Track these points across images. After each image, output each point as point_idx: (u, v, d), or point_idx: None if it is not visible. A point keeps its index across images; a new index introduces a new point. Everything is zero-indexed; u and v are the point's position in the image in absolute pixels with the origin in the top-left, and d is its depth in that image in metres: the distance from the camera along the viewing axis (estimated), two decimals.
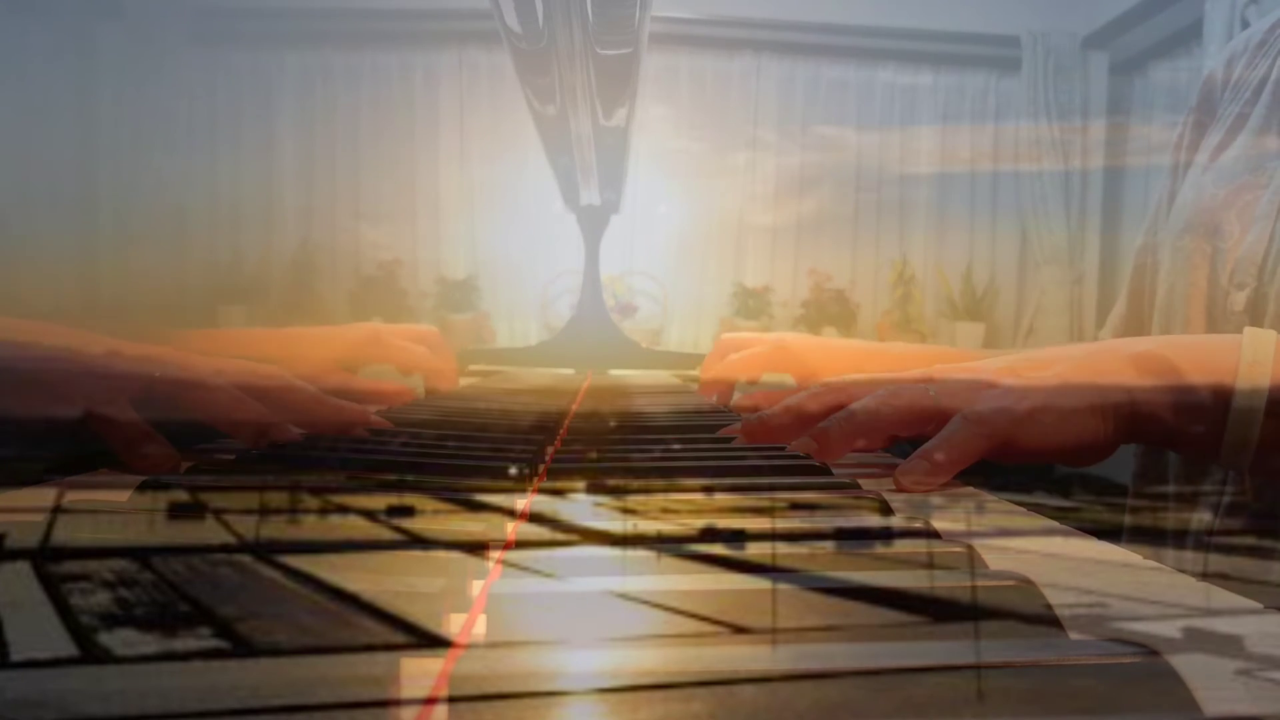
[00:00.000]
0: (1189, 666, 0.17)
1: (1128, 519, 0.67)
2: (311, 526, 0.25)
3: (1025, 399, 0.45)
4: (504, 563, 0.23)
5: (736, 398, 0.80)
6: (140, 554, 0.21)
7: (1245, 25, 2.44)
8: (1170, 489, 0.64)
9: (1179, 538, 0.62)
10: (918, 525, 0.27)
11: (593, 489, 0.32)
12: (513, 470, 0.36)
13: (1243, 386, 0.44)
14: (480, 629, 0.19)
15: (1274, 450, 0.45)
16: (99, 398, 0.42)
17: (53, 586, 0.19)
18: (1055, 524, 0.33)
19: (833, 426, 0.47)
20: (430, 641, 0.17)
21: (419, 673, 0.16)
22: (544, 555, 0.24)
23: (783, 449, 0.47)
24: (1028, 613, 0.20)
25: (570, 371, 1.26)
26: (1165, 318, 0.68)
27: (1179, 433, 0.46)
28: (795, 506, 0.31)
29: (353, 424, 0.50)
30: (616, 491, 0.31)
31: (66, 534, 0.23)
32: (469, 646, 0.17)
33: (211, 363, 0.48)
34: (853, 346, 0.85)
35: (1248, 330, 0.46)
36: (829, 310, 3.34)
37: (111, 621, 0.17)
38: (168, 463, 0.41)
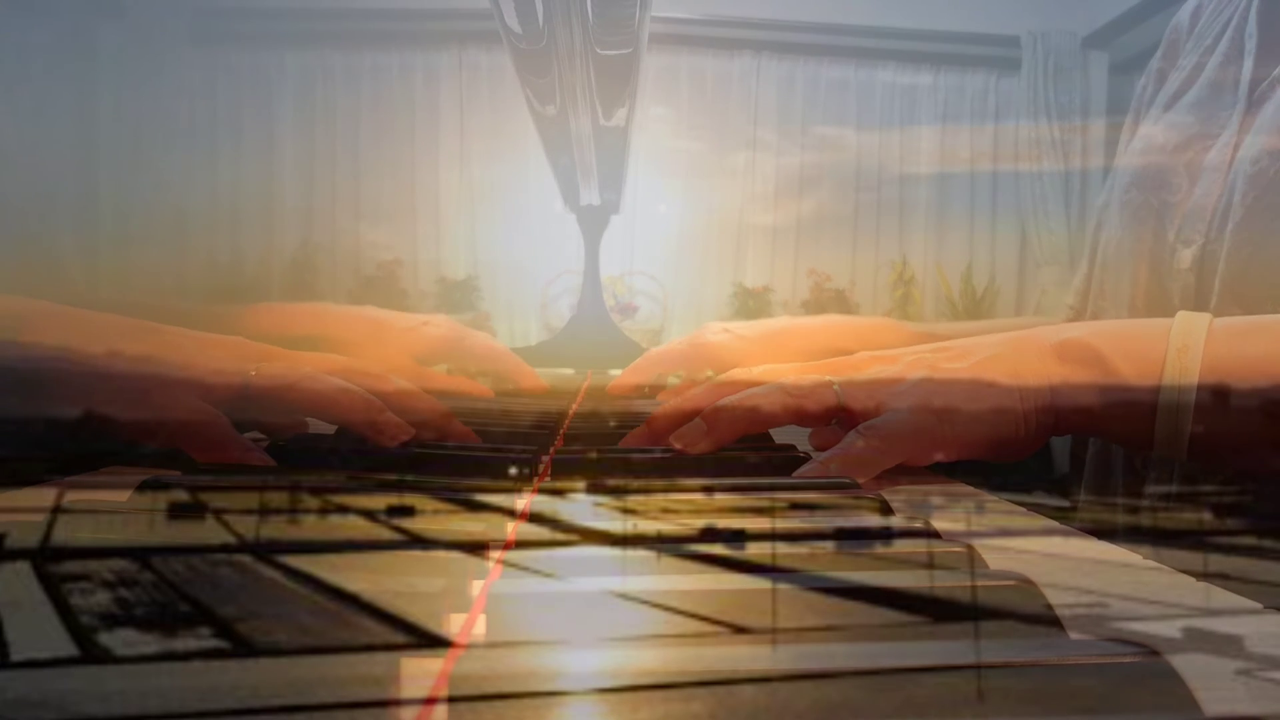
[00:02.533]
0: (1189, 666, 0.17)
1: (1124, 518, 0.66)
2: (311, 526, 0.25)
3: (934, 399, 0.43)
4: (504, 563, 0.23)
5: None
6: (140, 554, 0.21)
7: None
8: (1170, 488, 0.63)
9: (1178, 537, 0.61)
10: (918, 525, 0.27)
11: (593, 489, 0.32)
12: (513, 470, 0.36)
13: (1170, 376, 0.42)
14: (480, 629, 0.19)
15: (1214, 439, 0.42)
16: (181, 403, 0.40)
17: (53, 586, 0.19)
18: (1055, 524, 0.33)
19: (724, 409, 0.44)
20: (430, 641, 0.17)
21: (419, 673, 0.16)
22: (544, 555, 0.24)
23: (783, 449, 0.47)
24: (1028, 613, 0.20)
25: (570, 371, 1.26)
26: (1113, 276, 0.65)
27: (1106, 425, 0.44)
28: (795, 506, 0.31)
29: (445, 424, 0.48)
30: (616, 491, 0.31)
31: (66, 534, 0.23)
32: (469, 646, 0.17)
33: (311, 360, 0.47)
34: (771, 329, 0.78)
35: (1180, 314, 0.44)
36: (829, 311, 3.34)
37: (111, 621, 0.17)
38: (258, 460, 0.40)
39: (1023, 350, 0.45)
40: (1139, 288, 0.62)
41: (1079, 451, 0.67)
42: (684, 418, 0.46)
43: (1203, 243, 0.57)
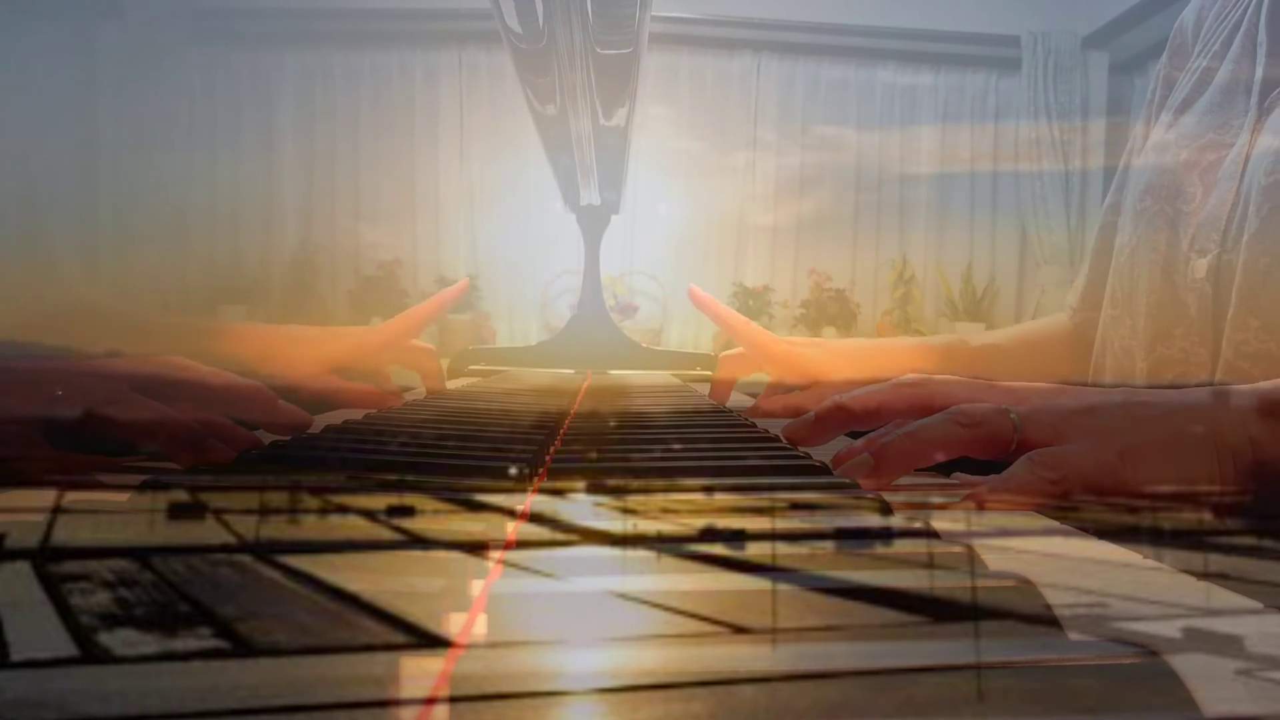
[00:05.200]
0: (1189, 666, 0.17)
1: (1125, 517, 0.65)
2: (311, 526, 0.25)
3: (1122, 437, 0.39)
4: (504, 563, 0.23)
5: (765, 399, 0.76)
6: (140, 554, 0.21)
7: None
8: (1169, 488, 0.63)
9: (1178, 537, 0.61)
10: (917, 525, 0.27)
11: (593, 489, 0.32)
12: (513, 470, 0.36)
13: None
14: (480, 629, 0.19)
15: None
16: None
17: (53, 586, 0.19)
18: (1055, 524, 0.33)
19: (892, 444, 0.40)
20: (430, 641, 0.17)
21: (419, 673, 0.16)
22: (544, 555, 0.24)
23: (783, 449, 0.47)
24: (1027, 613, 0.20)
25: (570, 371, 1.26)
26: (1125, 284, 0.64)
27: None
28: (795, 506, 0.31)
29: (295, 426, 0.50)
30: (616, 491, 0.31)
31: (66, 534, 0.23)
32: (469, 646, 0.17)
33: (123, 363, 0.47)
34: (859, 346, 0.77)
35: None
36: (829, 310, 3.34)
37: (111, 621, 0.17)
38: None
39: (1220, 403, 0.42)
40: (1152, 296, 0.61)
41: None
42: (852, 416, 0.45)
43: (1218, 252, 0.56)
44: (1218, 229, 0.57)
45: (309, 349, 0.76)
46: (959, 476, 0.44)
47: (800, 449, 0.45)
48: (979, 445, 0.40)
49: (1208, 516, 0.41)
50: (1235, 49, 0.61)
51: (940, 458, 0.40)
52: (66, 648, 0.16)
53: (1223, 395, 0.43)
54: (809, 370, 0.75)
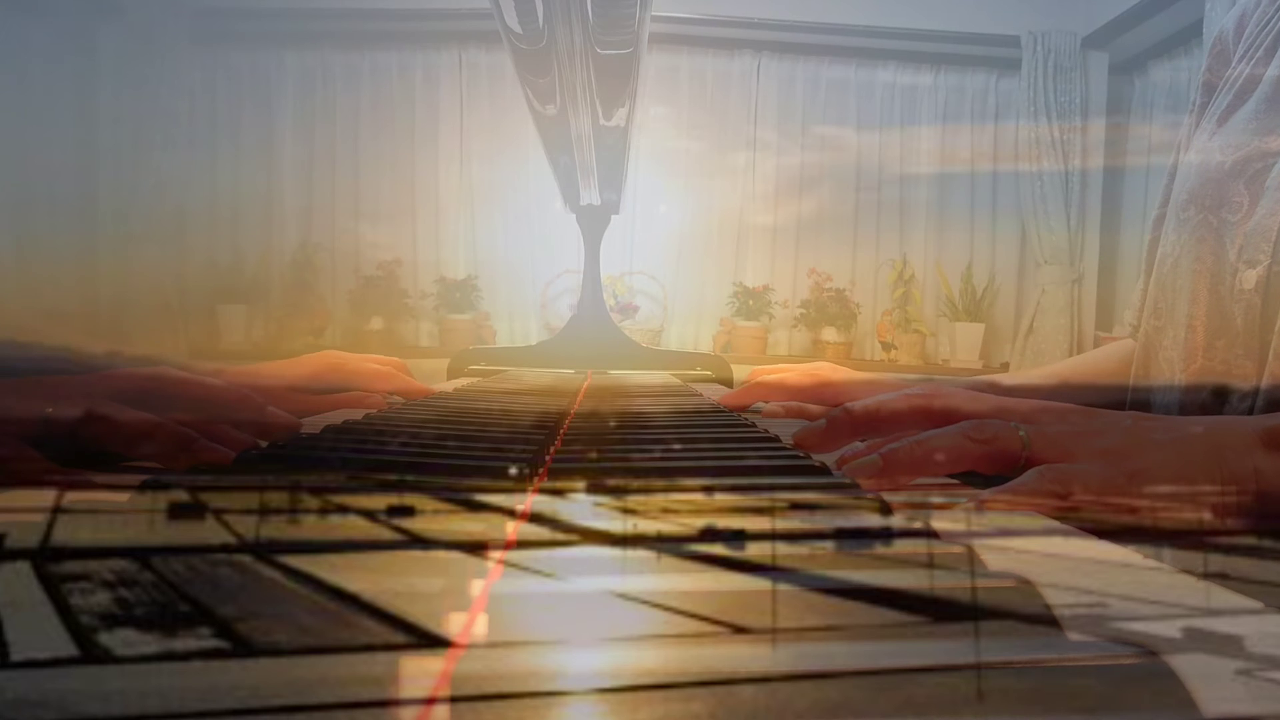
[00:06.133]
0: (1189, 666, 0.17)
1: (1125, 518, 0.65)
2: (311, 526, 0.25)
3: (1129, 460, 0.39)
4: (504, 563, 0.23)
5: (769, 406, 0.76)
6: (140, 554, 0.21)
7: None
8: (1169, 488, 0.62)
9: (1178, 537, 0.60)
10: (917, 525, 0.27)
11: (593, 489, 0.32)
12: (513, 470, 0.36)
13: None
14: (480, 629, 0.19)
15: None
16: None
17: (53, 586, 0.19)
18: (1055, 524, 0.33)
19: (902, 450, 0.41)
20: (430, 641, 0.17)
21: (419, 673, 0.16)
22: (544, 555, 0.24)
23: (783, 448, 0.47)
24: (1027, 613, 0.20)
25: (570, 371, 1.26)
26: (1169, 295, 0.63)
27: None
28: (795, 506, 0.31)
29: (284, 429, 0.50)
30: (616, 491, 0.31)
31: (66, 534, 0.23)
32: (469, 646, 0.17)
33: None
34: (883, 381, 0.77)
35: None
36: (829, 310, 3.34)
37: (111, 621, 0.17)
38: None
39: (1228, 432, 0.43)
40: (1197, 307, 0.60)
41: None
42: (861, 423, 0.45)
43: (1268, 264, 0.55)
44: (1268, 240, 0.56)
45: (269, 378, 0.76)
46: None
47: (808, 454, 0.45)
48: (987, 460, 0.41)
49: (1208, 516, 0.41)
50: None
51: (947, 468, 0.41)
52: (66, 648, 0.16)
53: (1229, 425, 0.43)
54: (841, 399, 0.73)
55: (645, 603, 0.20)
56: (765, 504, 0.31)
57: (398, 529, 0.25)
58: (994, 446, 0.41)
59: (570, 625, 0.20)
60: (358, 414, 0.59)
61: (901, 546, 0.25)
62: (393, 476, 0.33)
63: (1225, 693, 0.17)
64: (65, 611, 0.18)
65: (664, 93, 3.39)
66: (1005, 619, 0.20)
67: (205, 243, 3.24)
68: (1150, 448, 0.40)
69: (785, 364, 0.84)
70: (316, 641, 0.17)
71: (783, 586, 0.20)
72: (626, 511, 0.29)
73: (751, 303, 3.31)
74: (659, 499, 0.31)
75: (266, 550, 0.21)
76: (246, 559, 0.21)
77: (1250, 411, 0.52)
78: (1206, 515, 0.40)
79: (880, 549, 0.25)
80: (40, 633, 0.17)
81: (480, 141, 3.42)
